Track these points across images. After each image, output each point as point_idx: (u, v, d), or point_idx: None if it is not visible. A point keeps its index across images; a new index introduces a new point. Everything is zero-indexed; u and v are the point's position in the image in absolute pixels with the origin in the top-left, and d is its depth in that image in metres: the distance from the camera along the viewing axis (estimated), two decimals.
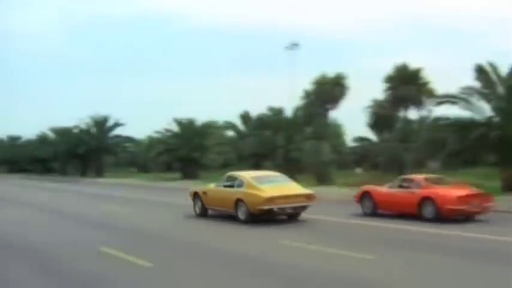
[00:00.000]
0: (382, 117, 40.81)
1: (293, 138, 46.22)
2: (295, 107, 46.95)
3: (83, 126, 72.71)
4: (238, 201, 19.33)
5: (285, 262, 11.95)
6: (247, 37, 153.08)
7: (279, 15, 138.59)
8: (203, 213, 21.35)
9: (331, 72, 42.16)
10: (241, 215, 19.22)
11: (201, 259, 12.72)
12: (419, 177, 20.67)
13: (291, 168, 45.65)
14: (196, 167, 56.71)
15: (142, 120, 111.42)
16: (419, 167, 39.95)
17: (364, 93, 61.11)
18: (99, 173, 67.85)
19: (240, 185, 19.76)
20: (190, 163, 56.28)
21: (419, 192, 19.19)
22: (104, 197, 33.67)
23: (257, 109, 53.54)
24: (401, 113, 41.81)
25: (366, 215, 20.70)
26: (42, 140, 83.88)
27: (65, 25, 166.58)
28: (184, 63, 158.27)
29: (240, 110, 54.09)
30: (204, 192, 21.61)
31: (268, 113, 48.72)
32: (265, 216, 18.79)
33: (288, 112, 48.70)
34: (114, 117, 71.49)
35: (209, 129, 57.74)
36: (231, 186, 20.23)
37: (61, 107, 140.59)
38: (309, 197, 19.50)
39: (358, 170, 49.48)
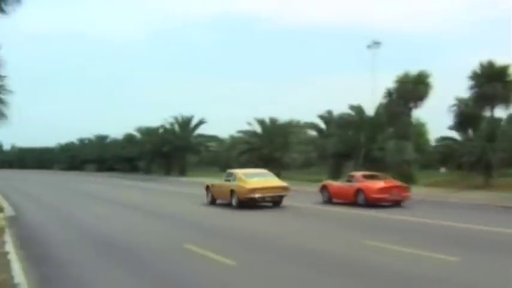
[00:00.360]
0: (466, 116, 39.68)
1: (375, 138, 45.72)
2: (377, 106, 46.41)
3: (167, 126, 74.35)
4: (232, 192, 25.40)
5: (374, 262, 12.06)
6: (329, 36, 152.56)
7: (361, 13, 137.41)
8: (212, 202, 27.26)
9: (414, 70, 41.19)
10: (234, 202, 25.17)
11: (283, 257, 12.86)
12: (358, 173, 27.72)
13: (373, 168, 45.19)
14: (278, 167, 56.94)
15: (224, 120, 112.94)
16: (506, 167, 38.71)
17: (449, 91, 59.39)
18: (183, 172, 69.11)
19: (234, 179, 25.75)
20: (272, 162, 56.54)
21: (356, 185, 25.57)
22: (187, 196, 34.41)
23: (338, 108, 53.37)
24: (487, 112, 40.42)
25: (324, 202, 26.84)
26: (128, 139, 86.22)
27: (149, 28, 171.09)
28: (266, 63, 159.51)
29: (321, 109, 53.99)
30: (213, 185, 27.69)
31: (350, 112, 48.35)
32: (250, 203, 24.50)
33: (370, 111, 48.23)
34: (197, 116, 72.87)
35: (291, 129, 57.87)
36: (229, 180, 26.17)
37: (146, 108, 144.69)
38: (285, 188, 25.52)
39: (442, 170, 48.44)
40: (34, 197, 36.07)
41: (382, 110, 44.00)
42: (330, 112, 53.88)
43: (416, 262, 11.77)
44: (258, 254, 13.33)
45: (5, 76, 20.11)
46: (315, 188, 30.43)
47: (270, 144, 56.44)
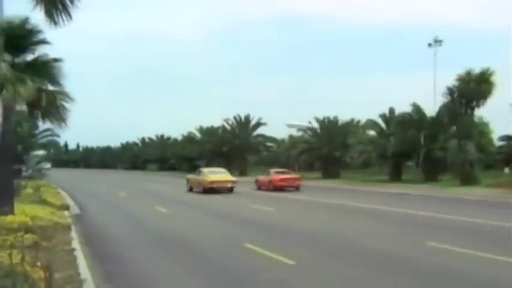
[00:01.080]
0: None
1: (437, 137, 45.01)
2: (440, 106, 45.60)
3: (227, 126, 74.97)
4: (200, 183, 37.14)
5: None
6: (389, 35, 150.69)
7: (422, 11, 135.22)
8: (190, 190, 38.81)
9: (477, 67, 40.07)
10: (201, 189, 36.48)
11: (343, 256, 12.91)
12: (272, 170, 42.22)
13: (434, 168, 44.52)
14: (337, 166, 56.70)
15: (282, 119, 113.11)
16: None
17: None
18: (243, 172, 69.46)
19: (201, 175, 37.86)
20: (331, 162, 56.37)
21: (269, 177, 39.92)
22: (250, 197, 34.70)
23: (398, 107, 52.72)
24: None
25: (257, 189, 40.12)
26: (189, 139, 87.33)
27: (208, 28, 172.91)
28: (324, 62, 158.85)
29: (380, 108, 53.44)
30: (190, 179, 40.02)
31: (410, 112, 47.67)
32: (210, 190, 35.49)
33: (430, 110, 47.51)
34: (256, 116, 73.26)
35: (351, 128, 57.52)
36: (199, 175, 38.28)
37: (206, 108, 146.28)
38: (234, 182, 37.52)
39: (506, 171, 47.24)
40: (98, 196, 37.01)
41: (443, 109, 43.23)
42: (392, 110, 53.17)
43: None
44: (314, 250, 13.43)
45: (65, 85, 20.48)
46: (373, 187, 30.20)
47: (330, 144, 56.24)
